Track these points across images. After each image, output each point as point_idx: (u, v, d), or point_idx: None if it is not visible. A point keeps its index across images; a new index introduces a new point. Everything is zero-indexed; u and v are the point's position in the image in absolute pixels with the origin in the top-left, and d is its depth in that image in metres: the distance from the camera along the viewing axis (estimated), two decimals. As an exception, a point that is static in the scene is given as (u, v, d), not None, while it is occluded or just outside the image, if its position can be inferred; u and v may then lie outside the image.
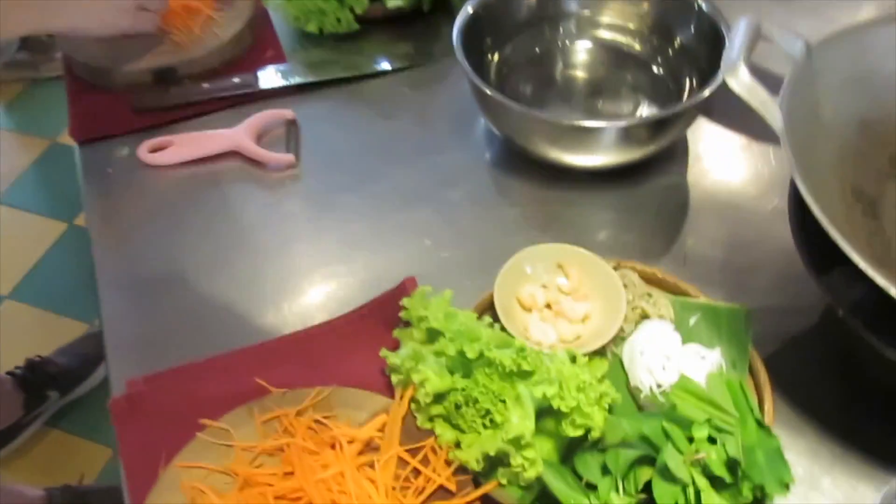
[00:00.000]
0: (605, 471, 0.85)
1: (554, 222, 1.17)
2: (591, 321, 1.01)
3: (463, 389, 0.86)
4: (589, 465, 0.87)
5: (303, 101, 1.30)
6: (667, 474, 0.81)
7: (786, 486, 0.82)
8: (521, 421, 0.83)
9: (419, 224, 1.12)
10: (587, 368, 0.91)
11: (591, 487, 0.86)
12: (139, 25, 1.22)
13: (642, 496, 0.83)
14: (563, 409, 0.82)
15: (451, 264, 1.11)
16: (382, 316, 1.01)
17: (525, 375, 0.86)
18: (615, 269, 1.05)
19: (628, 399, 0.95)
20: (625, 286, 1.02)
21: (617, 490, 0.83)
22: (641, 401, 0.94)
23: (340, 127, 1.28)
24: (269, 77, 1.34)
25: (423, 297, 0.96)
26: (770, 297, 1.07)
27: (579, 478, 0.87)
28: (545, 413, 0.86)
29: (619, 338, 1.00)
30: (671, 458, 0.80)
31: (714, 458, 0.82)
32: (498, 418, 0.85)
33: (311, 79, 1.32)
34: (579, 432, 0.83)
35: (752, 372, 0.97)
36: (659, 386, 0.96)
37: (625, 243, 1.11)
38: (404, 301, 0.97)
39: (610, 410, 0.88)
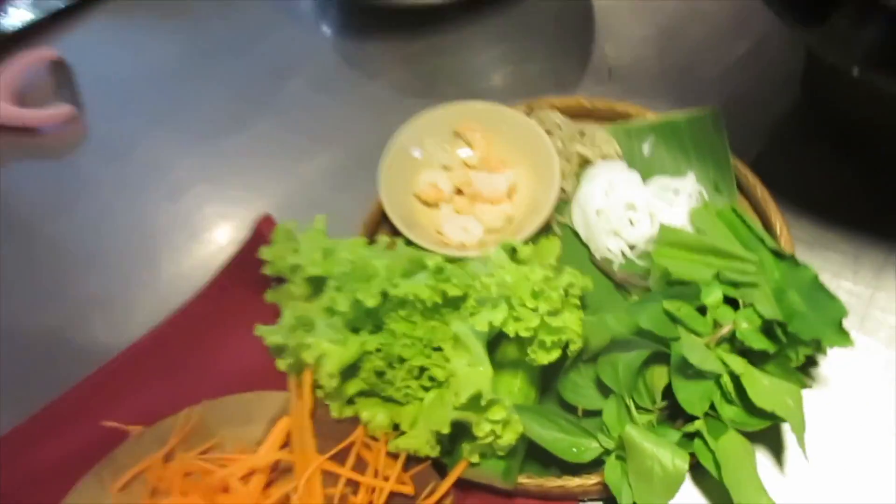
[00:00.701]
0: (603, 389, 0.61)
1: (432, 82, 0.88)
2: (519, 194, 0.74)
3: (378, 349, 0.59)
4: (580, 389, 0.62)
5: (65, 32, 1.01)
6: (688, 370, 0.57)
7: (842, 331, 0.58)
8: (470, 370, 0.57)
9: (259, 140, 0.85)
10: (535, 260, 0.65)
11: (591, 414, 0.62)
12: None
13: (663, 405, 0.59)
14: (523, 332, 0.56)
15: (316, 180, 0.82)
16: (246, 278, 0.73)
17: (456, 303, 0.59)
18: (528, 114, 0.77)
19: (601, 280, 0.70)
20: (548, 133, 0.75)
21: (627, 410, 0.59)
22: (618, 277, 0.69)
23: (123, 50, 0.98)
24: (13, 15, 0.99)
25: (287, 237, 0.68)
26: (728, 90, 0.82)
27: (572, 409, 0.63)
28: (500, 343, 0.60)
29: (562, 202, 0.74)
30: (688, 348, 0.56)
31: (745, 327, 0.58)
32: (439, 373, 0.59)
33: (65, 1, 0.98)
34: (554, 354, 0.57)
35: (744, 189, 0.72)
36: (632, 248, 0.71)
37: (529, 78, 0.88)
38: (263, 251, 0.68)
39: (583, 305, 0.63)
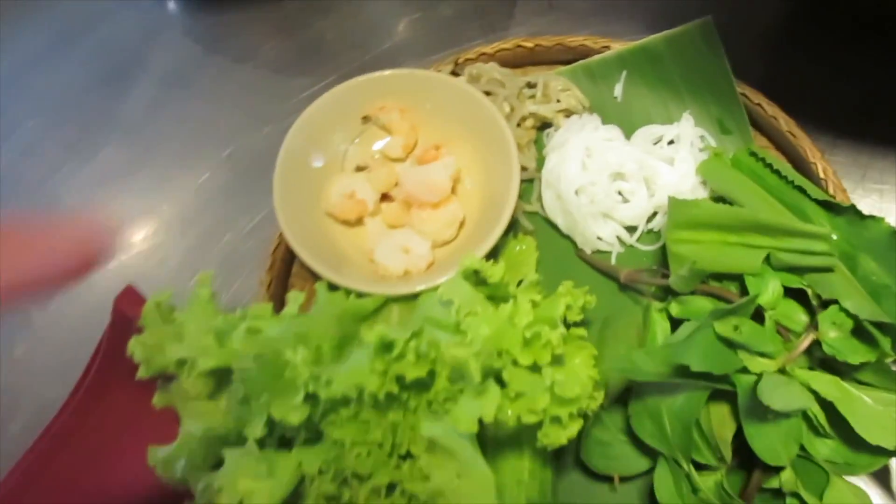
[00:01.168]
0: (640, 443, 0.43)
1: (318, 52, 0.67)
2: (467, 185, 0.55)
3: (323, 470, 0.41)
4: (609, 450, 0.45)
5: None
6: (758, 409, 0.40)
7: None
8: (463, 485, 0.39)
9: (105, 166, 0.66)
10: (510, 279, 0.46)
11: (629, 479, 0.45)
12: None
13: (731, 459, 0.42)
14: (530, 419, 0.38)
15: (189, 211, 0.61)
16: (124, 371, 0.52)
17: (420, 385, 0.40)
18: (455, 73, 0.58)
19: (598, 281, 0.52)
20: (487, 94, 0.55)
21: (687, 478, 0.42)
22: (622, 275, 0.51)
23: None
24: None
25: (161, 317, 0.48)
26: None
27: (602, 477, 0.45)
28: (500, 437, 0.42)
29: (524, 184, 0.55)
30: (767, 389, 0.38)
31: (833, 336, 0.41)
32: (418, 489, 0.41)
33: None
34: (574, 429, 0.39)
35: (759, 123, 0.54)
36: (631, 230, 0.53)
37: (444, 24, 0.68)
38: (132, 344, 0.47)
39: (584, 321, 0.45)
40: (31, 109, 0.68)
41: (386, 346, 0.39)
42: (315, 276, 0.49)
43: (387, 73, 0.55)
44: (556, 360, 0.40)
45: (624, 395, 0.45)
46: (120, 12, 0.73)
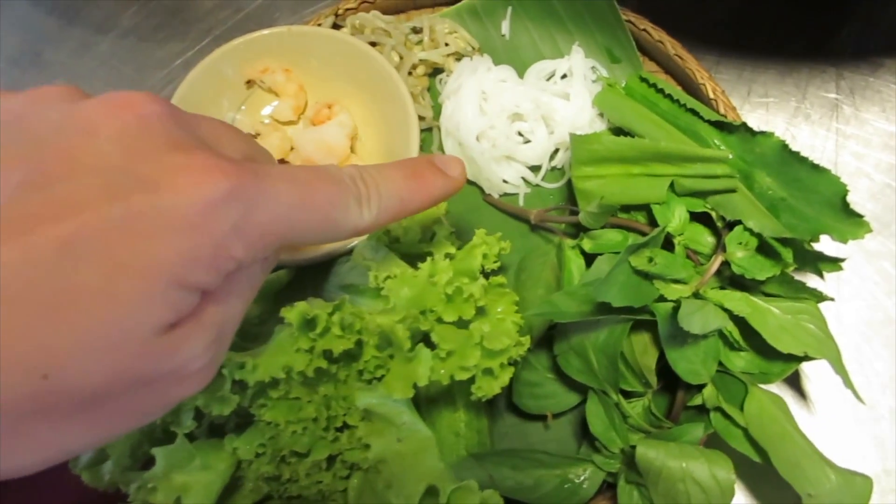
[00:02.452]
0: (568, 380, 0.44)
1: (182, 20, 0.62)
2: (365, 143, 0.53)
3: (260, 453, 0.40)
4: (539, 390, 0.46)
5: None
6: (679, 335, 0.41)
7: (851, 213, 0.44)
8: (404, 448, 0.39)
9: None
10: (417, 233, 0.46)
11: (562, 415, 0.46)
12: None
13: (653, 389, 0.44)
14: (463, 376, 0.38)
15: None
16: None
17: (349, 356, 0.40)
18: (337, 25, 0.55)
19: (508, 223, 0.52)
20: (373, 45, 0.53)
21: (617, 407, 0.43)
22: (532, 216, 0.51)
23: None
24: None
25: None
26: None
27: (537, 418, 0.46)
28: (433, 394, 0.42)
29: (424, 132, 0.54)
30: (685, 316, 0.39)
31: (741, 256, 0.42)
32: (358, 458, 0.40)
33: None
34: (506, 377, 0.40)
35: (646, 49, 0.55)
36: (535, 170, 0.53)
37: None
38: None
39: (501, 269, 0.46)
40: None
41: (308, 323, 0.38)
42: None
43: (265, 32, 0.52)
44: (480, 312, 0.40)
45: (548, 336, 0.46)
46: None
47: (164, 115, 0.26)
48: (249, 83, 0.53)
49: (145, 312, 0.24)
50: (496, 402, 0.47)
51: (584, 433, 0.46)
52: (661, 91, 0.51)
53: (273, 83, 0.53)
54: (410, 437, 0.39)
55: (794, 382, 0.47)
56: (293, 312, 0.37)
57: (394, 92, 0.50)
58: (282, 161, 0.52)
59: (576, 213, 0.48)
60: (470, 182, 0.53)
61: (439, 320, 0.38)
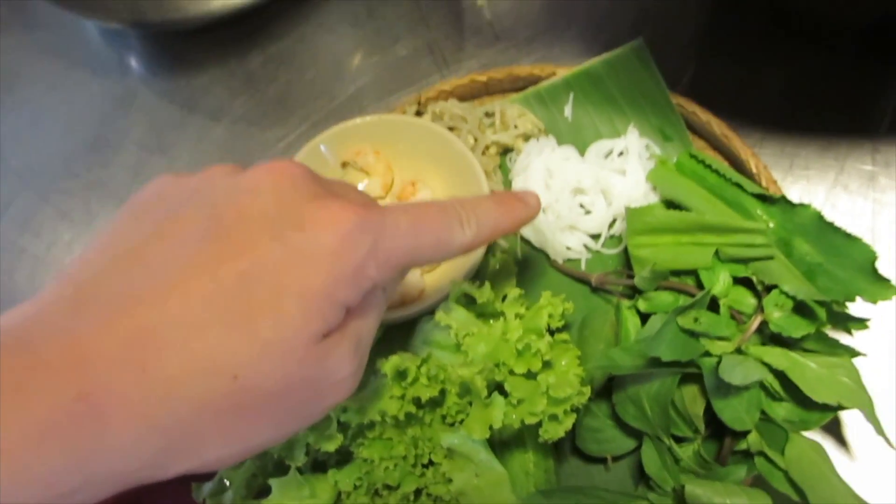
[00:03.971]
0: (627, 426, 0.50)
1: (283, 108, 0.72)
2: None
3: (358, 485, 0.47)
4: (600, 435, 0.52)
5: None
6: (728, 387, 0.46)
7: (879, 278, 0.49)
8: (482, 483, 0.45)
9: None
10: (495, 297, 0.52)
11: (621, 458, 0.52)
12: None
13: (706, 431, 0.49)
14: (532, 420, 0.44)
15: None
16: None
17: (434, 403, 0.46)
18: (418, 112, 0.63)
19: (572, 286, 0.58)
20: (451, 129, 0.61)
21: (669, 451, 0.49)
22: (593, 279, 0.57)
23: None
24: None
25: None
26: (631, 17, 0.69)
27: (598, 460, 0.52)
28: (506, 437, 0.48)
29: (496, 205, 0.61)
30: (727, 369, 0.45)
31: (777, 316, 0.48)
32: (441, 491, 0.47)
33: None
34: (569, 422, 0.46)
35: (696, 128, 0.61)
36: (596, 238, 0.59)
37: (401, 63, 0.73)
38: None
39: (566, 326, 0.52)
40: (21, 184, 0.72)
41: (401, 374, 0.45)
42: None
43: (358, 121, 0.60)
44: (547, 365, 0.47)
45: (607, 386, 0.52)
46: (91, 83, 0.76)
47: (306, 175, 0.33)
48: (344, 164, 0.61)
49: (306, 324, 0.30)
50: (562, 444, 0.53)
51: (640, 474, 0.51)
52: (708, 167, 0.57)
53: (364, 163, 0.61)
54: (487, 473, 0.45)
55: (834, 429, 0.51)
56: (388, 365, 0.44)
57: (469, 170, 0.57)
58: None
59: (632, 276, 0.54)
60: (537, 249, 0.60)
61: (511, 372, 0.45)
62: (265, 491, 0.48)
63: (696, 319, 0.47)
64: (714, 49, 0.66)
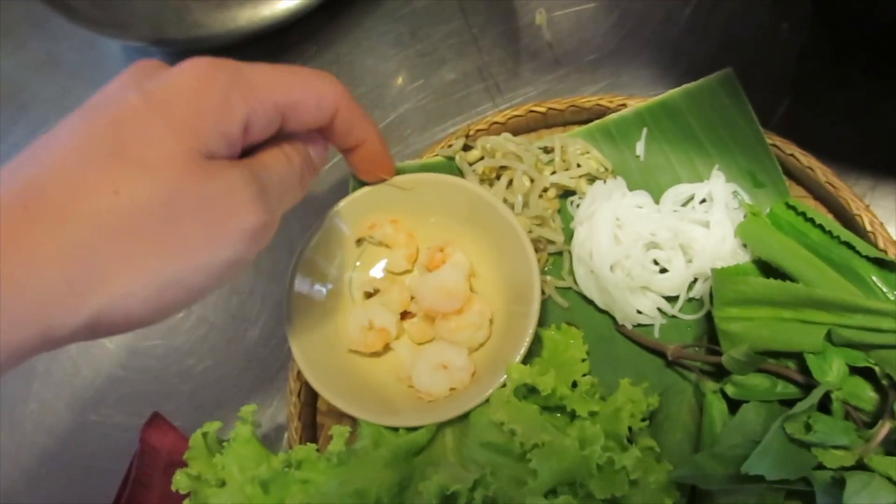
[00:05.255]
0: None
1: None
2: (481, 275, 0.52)
3: None
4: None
5: None
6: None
7: None
8: None
9: None
10: (561, 383, 0.44)
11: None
12: None
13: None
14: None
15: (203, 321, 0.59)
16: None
17: None
18: (466, 146, 0.55)
19: (642, 358, 0.50)
20: (503, 169, 0.53)
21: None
22: (669, 352, 0.48)
23: None
24: None
25: (206, 450, 0.46)
26: (713, 42, 0.60)
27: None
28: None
29: (553, 255, 0.53)
30: (847, 485, 0.36)
31: (912, 424, 0.39)
32: None
33: None
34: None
35: (793, 172, 0.52)
36: (672, 301, 0.51)
37: (443, 91, 0.63)
38: (178, 478, 0.44)
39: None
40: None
41: (449, 499, 0.37)
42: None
43: (366, 189, 0.51)
44: (634, 485, 0.38)
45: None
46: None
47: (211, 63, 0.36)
48: (359, 241, 0.53)
49: (178, 143, 0.33)
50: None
51: None
52: (811, 220, 0.48)
53: (382, 236, 0.52)
54: None
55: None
56: (432, 486, 0.36)
57: (505, 226, 0.49)
58: (406, 313, 0.52)
59: (716, 352, 0.46)
60: (601, 311, 0.51)
61: (588, 496, 0.36)
62: None
63: (808, 426, 0.38)
64: (812, 80, 0.57)
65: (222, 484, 0.44)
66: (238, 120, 0.36)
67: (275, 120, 0.38)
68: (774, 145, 0.51)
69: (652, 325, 0.51)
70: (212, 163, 0.34)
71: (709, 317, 0.50)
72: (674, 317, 0.51)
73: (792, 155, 0.51)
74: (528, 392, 0.42)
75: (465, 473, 0.37)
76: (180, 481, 0.45)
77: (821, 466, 0.39)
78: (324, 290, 0.51)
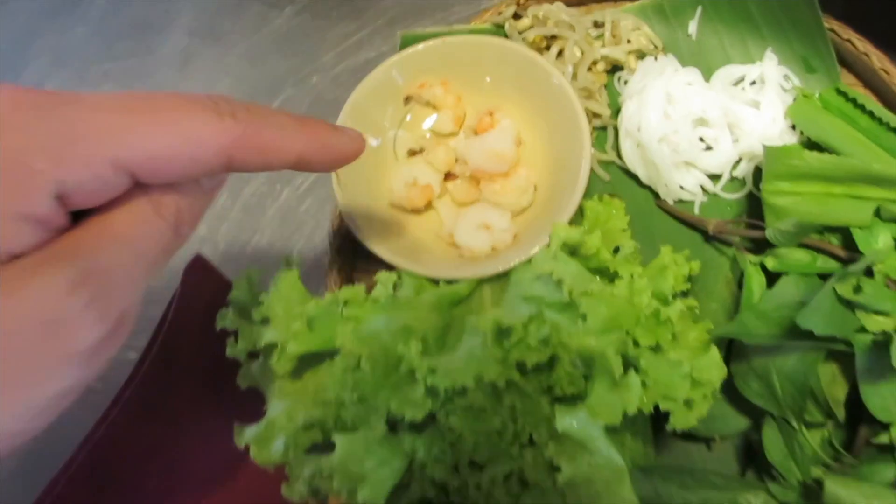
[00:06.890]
0: (741, 402, 0.43)
1: (340, 8, 0.62)
2: (528, 144, 0.52)
3: (439, 459, 0.40)
4: (710, 414, 0.44)
5: None
6: (876, 370, 0.39)
7: None
8: (596, 473, 0.38)
9: None
10: (605, 246, 0.44)
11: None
12: None
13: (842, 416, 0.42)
14: (666, 405, 0.37)
15: (239, 179, 0.58)
16: (185, 350, 0.51)
17: (540, 369, 0.39)
18: (517, 14, 0.54)
19: (681, 232, 0.51)
20: (553, 38, 0.52)
21: (797, 435, 0.42)
22: (710, 227, 0.49)
23: None
24: None
25: (249, 295, 0.46)
26: None
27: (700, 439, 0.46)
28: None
29: (598, 129, 0.53)
30: (881, 340, 0.38)
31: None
32: (541, 478, 0.40)
33: None
34: (703, 409, 0.39)
35: (847, 60, 0.52)
36: (714, 179, 0.51)
37: None
38: (224, 317, 0.45)
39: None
40: (56, 63, 0.64)
41: (503, 332, 0.38)
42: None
43: (420, 47, 0.50)
44: (675, 338, 0.39)
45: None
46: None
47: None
48: (407, 99, 0.52)
49: None
50: (660, 419, 0.47)
51: (748, 457, 0.45)
52: (860, 106, 0.48)
53: (431, 97, 0.52)
54: (604, 466, 0.38)
55: None
56: (487, 321, 0.37)
57: (559, 95, 0.49)
58: (448, 174, 0.52)
59: (758, 227, 0.46)
60: (642, 186, 0.52)
61: (635, 343, 0.37)
62: (326, 446, 0.42)
63: (857, 287, 0.39)
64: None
65: (267, 322, 0.44)
66: (44, 192, 0.25)
67: (116, 181, 0.27)
68: (832, 30, 0.51)
69: (692, 201, 0.51)
70: (13, 269, 0.25)
71: (749, 197, 0.51)
72: (715, 195, 0.51)
73: (848, 40, 0.51)
74: (570, 255, 0.43)
75: (519, 314, 0.38)
76: (226, 318, 0.45)
77: (862, 330, 0.40)
78: (370, 141, 0.50)
